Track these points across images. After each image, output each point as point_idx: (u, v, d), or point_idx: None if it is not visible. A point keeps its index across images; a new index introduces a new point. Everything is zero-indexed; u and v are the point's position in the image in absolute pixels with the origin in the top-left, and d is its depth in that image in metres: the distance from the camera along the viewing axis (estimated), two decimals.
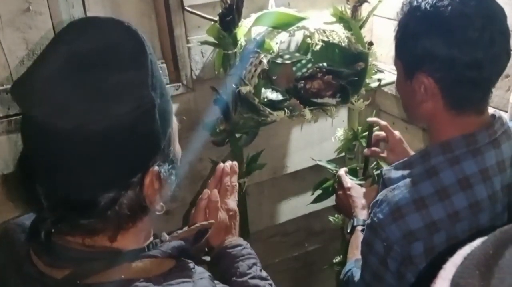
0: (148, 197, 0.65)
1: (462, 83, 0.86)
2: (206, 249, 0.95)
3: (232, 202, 0.94)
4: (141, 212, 0.66)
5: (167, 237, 0.75)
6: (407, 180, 0.91)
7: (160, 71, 0.67)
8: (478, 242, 0.40)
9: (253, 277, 0.88)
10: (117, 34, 0.64)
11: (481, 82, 0.87)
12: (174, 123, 0.71)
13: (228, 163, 0.97)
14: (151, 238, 0.73)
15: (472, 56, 0.83)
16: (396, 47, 0.93)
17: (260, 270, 0.91)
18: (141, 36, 0.65)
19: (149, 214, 0.68)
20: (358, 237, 1.16)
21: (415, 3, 0.87)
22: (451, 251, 0.41)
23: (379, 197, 0.93)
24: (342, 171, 1.38)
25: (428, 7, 0.84)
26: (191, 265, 0.72)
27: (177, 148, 0.73)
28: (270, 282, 0.90)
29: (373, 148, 1.30)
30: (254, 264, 0.89)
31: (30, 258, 0.67)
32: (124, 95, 0.60)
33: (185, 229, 0.76)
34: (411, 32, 0.88)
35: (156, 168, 0.65)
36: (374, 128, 1.32)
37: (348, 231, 1.25)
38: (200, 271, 0.71)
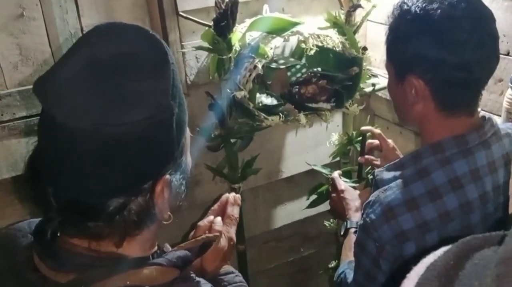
0: (157, 205, 0.65)
1: (452, 85, 0.87)
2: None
3: (233, 233, 0.94)
4: (149, 219, 0.65)
5: (170, 248, 0.74)
6: (399, 181, 0.92)
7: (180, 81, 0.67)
8: (441, 251, 0.39)
9: None
10: (140, 41, 0.64)
11: (471, 83, 0.88)
12: (188, 133, 0.72)
13: (233, 194, 0.98)
14: (155, 248, 0.73)
15: (461, 58, 0.84)
16: (387, 51, 0.95)
17: None
18: (165, 45, 0.65)
19: (156, 222, 0.68)
20: (351, 239, 1.17)
21: (405, 7, 0.88)
22: (418, 258, 0.41)
23: (371, 197, 0.94)
24: (335, 174, 1.39)
25: (418, 10, 0.86)
26: (193, 275, 0.71)
27: (188, 158, 0.73)
28: None
29: (366, 156, 1.31)
30: None
31: (33, 262, 0.66)
32: (142, 102, 0.60)
33: (191, 240, 0.76)
34: (401, 35, 0.89)
35: (167, 176, 0.65)
36: (368, 135, 1.33)
37: (342, 233, 1.25)
38: (202, 282, 0.71)
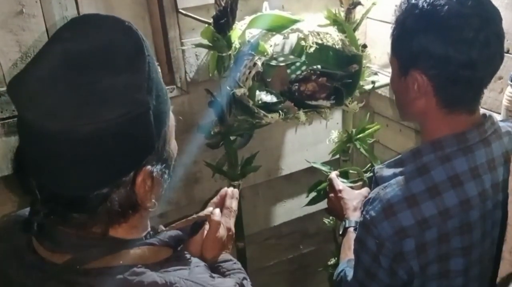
0: (139, 195, 0.66)
1: (455, 82, 0.87)
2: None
3: (232, 224, 0.96)
4: (131, 209, 0.66)
5: (163, 228, 0.76)
6: (399, 178, 0.92)
7: (159, 71, 0.67)
8: None
9: None
10: (115, 34, 0.63)
11: (474, 82, 0.88)
12: (171, 121, 0.71)
13: (231, 188, 1.00)
14: (148, 229, 0.74)
15: (466, 56, 0.84)
16: (392, 44, 0.94)
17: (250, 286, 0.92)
18: (141, 37, 0.64)
19: (141, 211, 0.69)
20: (350, 238, 1.17)
21: (413, 1, 0.88)
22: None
23: (371, 195, 0.94)
24: (333, 174, 1.39)
25: (426, 5, 0.85)
26: (188, 255, 0.73)
27: (172, 145, 0.73)
28: None
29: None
30: (245, 278, 0.90)
31: (32, 245, 0.68)
32: (117, 98, 0.60)
33: (183, 220, 0.77)
34: (408, 29, 0.89)
35: (148, 167, 0.65)
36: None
37: (340, 232, 1.26)
38: (196, 260, 0.73)
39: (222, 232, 0.90)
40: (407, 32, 0.89)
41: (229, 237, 0.93)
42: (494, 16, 0.86)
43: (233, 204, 0.97)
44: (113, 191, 0.63)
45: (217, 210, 0.93)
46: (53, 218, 0.64)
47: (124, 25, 0.64)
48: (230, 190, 0.99)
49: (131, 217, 0.68)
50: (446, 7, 0.84)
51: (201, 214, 0.82)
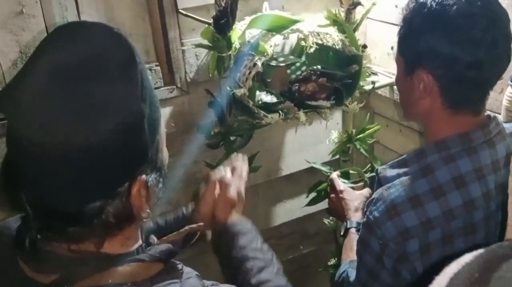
0: (135, 205, 0.64)
1: (462, 83, 0.87)
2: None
3: (243, 189, 0.98)
4: (127, 220, 0.65)
5: (156, 240, 0.74)
6: (403, 178, 0.91)
7: (150, 77, 0.66)
8: (465, 260, 0.38)
9: (254, 250, 0.90)
10: (104, 43, 0.62)
11: (480, 83, 0.88)
12: (162, 128, 0.70)
13: (241, 154, 1.05)
14: (140, 242, 0.73)
15: (473, 56, 0.83)
16: (399, 43, 0.93)
17: (262, 243, 0.93)
18: (130, 44, 0.63)
19: (136, 221, 0.68)
20: (352, 239, 1.17)
21: (421, 0, 0.87)
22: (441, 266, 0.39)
23: (374, 195, 0.94)
24: (334, 174, 1.39)
25: (434, 4, 0.85)
26: (179, 266, 0.71)
27: (164, 153, 0.72)
28: (272, 253, 0.93)
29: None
30: (255, 237, 0.92)
31: (17, 262, 0.66)
32: (111, 109, 0.58)
33: (174, 232, 0.76)
34: (415, 28, 0.88)
35: (143, 177, 0.64)
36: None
37: (341, 233, 1.25)
38: (187, 271, 0.71)
39: (233, 193, 0.93)
40: (414, 31, 0.88)
41: (240, 199, 0.95)
42: (502, 17, 0.86)
43: (243, 169, 1.00)
44: (108, 203, 0.61)
45: (228, 172, 0.97)
46: (47, 233, 0.62)
47: (112, 32, 0.63)
48: (240, 155, 1.02)
49: (126, 228, 0.67)
50: (455, 7, 0.83)
51: (193, 225, 0.80)
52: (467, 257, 0.38)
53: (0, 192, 0.63)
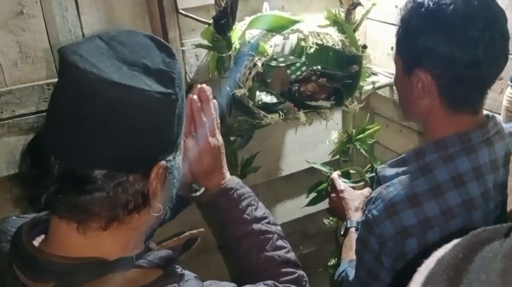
0: (152, 188, 0.66)
1: (460, 82, 0.87)
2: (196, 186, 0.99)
3: (213, 137, 0.92)
4: (141, 202, 0.66)
5: (155, 246, 0.74)
6: (402, 177, 0.92)
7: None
8: (451, 244, 0.39)
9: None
10: (148, 40, 0.70)
11: (478, 82, 0.88)
12: (182, 135, 0.73)
13: (197, 87, 0.95)
14: (141, 249, 0.72)
15: (471, 56, 0.84)
16: (397, 43, 0.94)
17: (255, 209, 0.93)
18: (167, 44, 0.71)
19: (147, 214, 0.68)
20: (352, 238, 1.17)
21: (419, 0, 0.88)
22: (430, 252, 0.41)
23: (373, 194, 0.94)
24: (335, 174, 1.39)
25: (431, 4, 0.86)
26: (178, 270, 0.71)
27: (181, 158, 0.74)
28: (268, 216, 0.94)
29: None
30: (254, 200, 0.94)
31: (13, 270, 0.66)
32: (155, 80, 0.64)
33: (174, 238, 0.76)
34: (413, 28, 0.89)
35: (164, 162, 0.66)
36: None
37: (342, 233, 1.26)
38: (186, 274, 0.71)
39: (212, 140, 0.91)
40: (412, 31, 0.89)
41: (216, 150, 0.92)
42: (499, 17, 0.86)
43: (206, 113, 0.92)
44: (128, 177, 0.63)
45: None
46: (62, 198, 0.62)
47: (151, 35, 0.71)
48: (195, 96, 0.93)
49: (135, 218, 0.67)
50: (452, 6, 0.84)
51: (194, 231, 0.80)
52: (454, 241, 0.39)
53: (21, 168, 0.65)
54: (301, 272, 0.90)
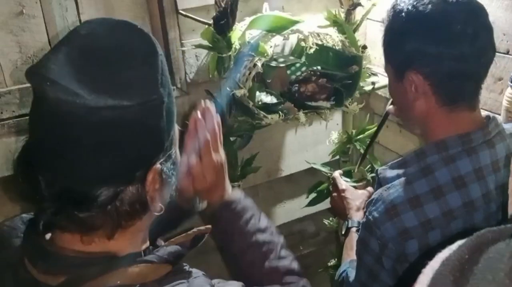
0: (149, 194, 0.65)
1: (451, 77, 0.88)
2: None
3: (214, 155, 0.87)
4: (141, 209, 0.66)
5: (162, 243, 0.74)
6: (403, 179, 0.91)
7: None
8: (456, 245, 0.39)
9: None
10: (129, 35, 0.66)
11: (469, 75, 0.89)
12: (176, 128, 0.72)
13: (201, 106, 0.89)
14: (147, 243, 0.73)
15: (457, 50, 0.85)
16: (385, 52, 0.95)
17: (259, 220, 0.93)
18: (152, 38, 0.67)
19: (148, 214, 0.68)
20: (353, 238, 1.17)
21: (398, 8, 0.90)
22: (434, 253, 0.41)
23: (374, 195, 0.94)
24: (336, 173, 1.39)
25: (410, 7, 0.88)
26: (187, 267, 0.72)
27: (177, 152, 0.73)
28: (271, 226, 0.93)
29: None
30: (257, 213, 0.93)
31: (24, 264, 0.66)
32: (134, 89, 0.61)
33: (182, 234, 0.76)
34: (397, 33, 0.91)
35: (158, 165, 0.65)
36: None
37: (343, 232, 1.25)
38: (195, 271, 0.72)
39: (215, 157, 0.86)
40: (397, 37, 0.91)
41: (218, 169, 0.88)
42: (478, 10, 0.88)
43: (209, 130, 0.86)
44: (123, 188, 0.63)
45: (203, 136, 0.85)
46: (60, 218, 0.63)
47: (136, 27, 0.67)
48: (198, 114, 0.87)
49: (138, 222, 0.67)
50: (430, 5, 0.86)
51: (201, 228, 0.79)
52: (458, 242, 0.39)
53: (16, 178, 0.64)
54: (303, 281, 0.90)
